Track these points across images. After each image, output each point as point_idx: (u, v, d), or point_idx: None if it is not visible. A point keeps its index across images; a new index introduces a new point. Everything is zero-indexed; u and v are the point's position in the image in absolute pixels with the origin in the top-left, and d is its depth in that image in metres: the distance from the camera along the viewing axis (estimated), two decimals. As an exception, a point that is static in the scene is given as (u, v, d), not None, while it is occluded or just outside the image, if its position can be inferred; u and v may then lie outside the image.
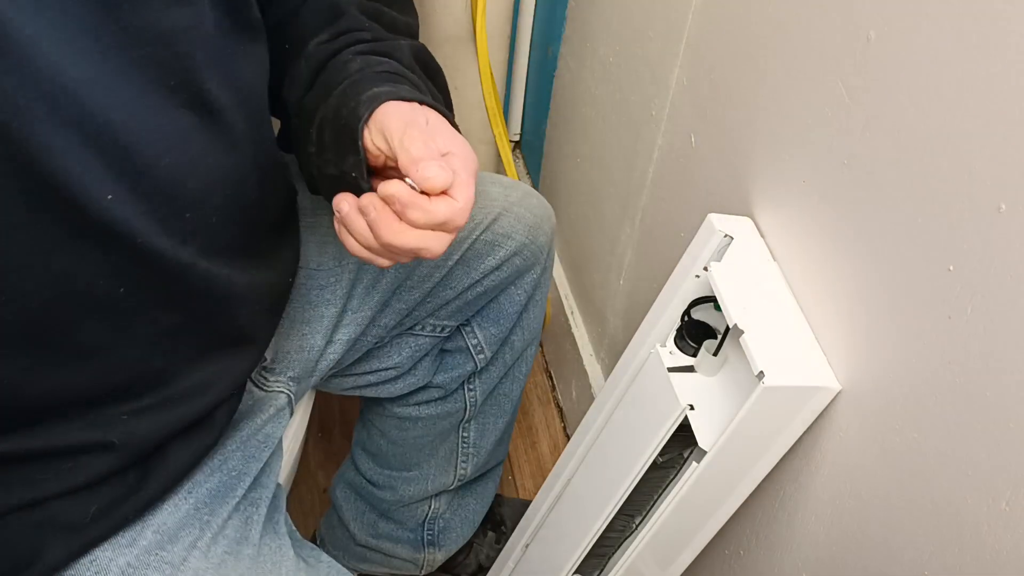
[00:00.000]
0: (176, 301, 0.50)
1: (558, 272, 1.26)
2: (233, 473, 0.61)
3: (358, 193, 0.49)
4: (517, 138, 1.45)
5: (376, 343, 0.78)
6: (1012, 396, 0.42)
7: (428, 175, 0.46)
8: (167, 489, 0.56)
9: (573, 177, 1.16)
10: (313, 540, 1.06)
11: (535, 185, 1.38)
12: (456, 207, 0.47)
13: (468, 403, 0.89)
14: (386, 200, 0.47)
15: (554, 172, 1.27)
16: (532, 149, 1.38)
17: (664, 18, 0.78)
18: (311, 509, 1.14)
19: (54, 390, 0.47)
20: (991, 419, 0.43)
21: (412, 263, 0.75)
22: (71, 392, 0.48)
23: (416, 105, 0.51)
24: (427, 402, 0.87)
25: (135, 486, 0.53)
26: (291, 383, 0.70)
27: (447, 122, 0.52)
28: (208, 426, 0.57)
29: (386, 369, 0.81)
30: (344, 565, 1.02)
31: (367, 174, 0.51)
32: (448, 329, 0.82)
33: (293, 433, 0.76)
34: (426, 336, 0.81)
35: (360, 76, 0.53)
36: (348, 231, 0.50)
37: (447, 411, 0.88)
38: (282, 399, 0.69)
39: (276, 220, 0.60)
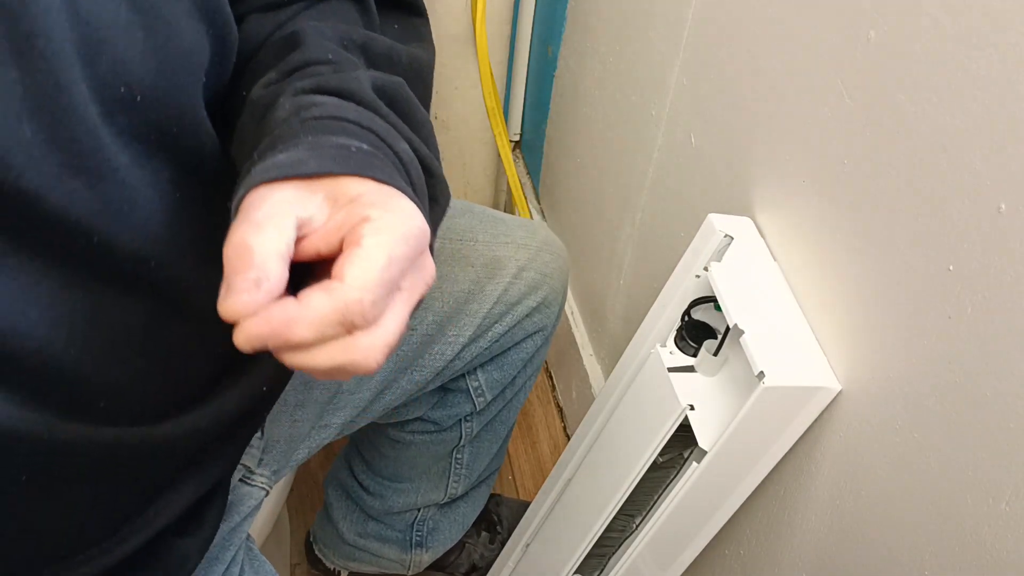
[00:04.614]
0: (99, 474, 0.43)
1: (558, 272, 1.26)
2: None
3: None
4: (517, 138, 1.45)
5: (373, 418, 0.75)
6: (1012, 396, 0.42)
7: (221, 307, 0.32)
8: None
9: (573, 177, 1.16)
10: (308, 538, 1.06)
11: (535, 185, 1.38)
12: (338, 294, 0.31)
13: (464, 433, 0.88)
14: None
15: (554, 172, 1.26)
16: (532, 149, 1.38)
17: (664, 18, 0.78)
18: (312, 506, 1.14)
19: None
20: (991, 419, 0.43)
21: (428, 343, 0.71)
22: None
23: (314, 182, 0.35)
24: (421, 432, 0.86)
25: None
26: (273, 476, 0.67)
27: (381, 184, 0.36)
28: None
29: None
30: (334, 563, 1.03)
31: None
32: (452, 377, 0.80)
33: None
34: (427, 380, 0.78)
35: (279, 133, 0.39)
36: None
37: (441, 439, 0.88)
38: (259, 495, 0.64)
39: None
